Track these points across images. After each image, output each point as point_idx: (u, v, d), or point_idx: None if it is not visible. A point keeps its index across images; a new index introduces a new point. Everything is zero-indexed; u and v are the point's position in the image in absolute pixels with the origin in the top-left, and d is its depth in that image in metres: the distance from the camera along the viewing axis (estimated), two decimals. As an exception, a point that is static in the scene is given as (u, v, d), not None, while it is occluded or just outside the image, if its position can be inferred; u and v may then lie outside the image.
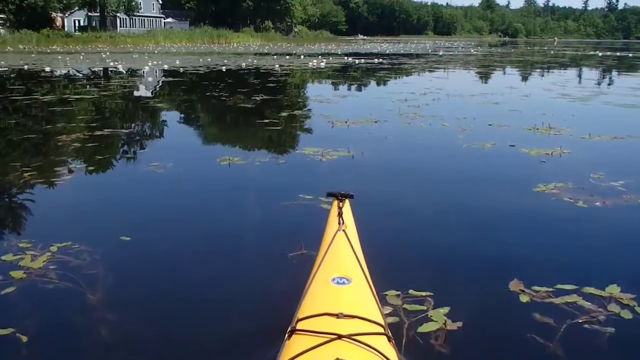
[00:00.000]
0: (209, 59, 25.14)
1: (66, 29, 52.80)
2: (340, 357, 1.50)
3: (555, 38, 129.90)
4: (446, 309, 2.49)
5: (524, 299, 2.63)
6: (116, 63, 21.80)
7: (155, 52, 34.57)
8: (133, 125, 8.07)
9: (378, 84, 15.02)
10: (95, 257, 3.03)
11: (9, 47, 37.37)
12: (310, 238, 2.70)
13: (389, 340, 1.73)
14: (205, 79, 15.85)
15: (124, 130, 7.18)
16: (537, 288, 2.71)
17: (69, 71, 18.19)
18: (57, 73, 17.30)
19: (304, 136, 7.04)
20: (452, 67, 22.60)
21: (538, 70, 22.25)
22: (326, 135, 6.83)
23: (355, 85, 14.37)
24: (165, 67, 20.24)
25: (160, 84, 14.66)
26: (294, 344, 1.65)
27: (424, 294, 2.64)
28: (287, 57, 28.18)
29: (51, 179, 4.74)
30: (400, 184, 4.76)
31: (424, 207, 4.14)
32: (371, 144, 6.34)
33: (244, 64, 21.28)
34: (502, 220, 3.91)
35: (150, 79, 15.20)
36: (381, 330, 1.73)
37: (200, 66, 20.60)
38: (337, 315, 1.70)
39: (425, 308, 2.52)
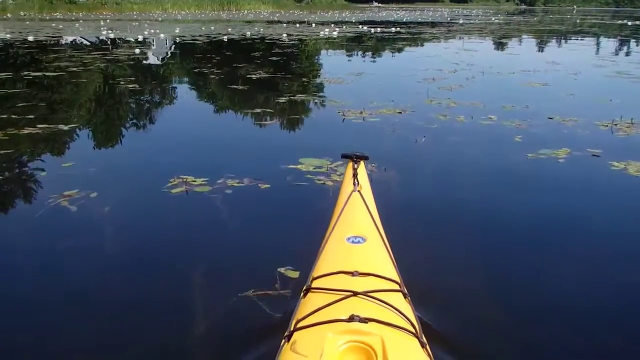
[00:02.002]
0: (213, 28, 23.24)
1: None
2: (355, 313, 1.45)
3: (575, 6, 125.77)
4: None
5: None
6: (109, 32, 19.97)
7: (160, 19, 32.78)
8: (79, 118, 6.06)
9: (398, 57, 13.10)
10: None
11: (8, 14, 36.08)
12: None
13: (405, 297, 1.68)
14: (201, 50, 14.00)
15: (64, 127, 5.37)
16: None
17: (51, 41, 16.37)
18: (40, 44, 15.51)
19: (303, 137, 5.17)
20: (477, 37, 20.49)
21: (572, 40, 20.08)
22: (334, 136, 5.06)
23: (372, 60, 12.45)
24: (162, 36, 18.39)
25: (149, 57, 12.86)
26: (310, 302, 1.62)
27: None
28: (298, 25, 26.12)
29: None
30: (447, 245, 2.94)
31: (498, 304, 2.35)
32: (396, 152, 4.56)
33: (248, 33, 19.37)
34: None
35: (137, 50, 13.37)
36: (397, 287, 1.70)
37: (200, 35, 18.75)
38: (352, 273, 1.68)
39: None
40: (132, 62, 11.02)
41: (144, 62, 11.62)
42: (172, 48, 14.81)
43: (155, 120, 6.01)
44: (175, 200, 3.38)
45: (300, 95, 7.15)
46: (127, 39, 17.45)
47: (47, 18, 32.78)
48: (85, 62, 10.68)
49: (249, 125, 5.53)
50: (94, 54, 12.37)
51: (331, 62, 12.01)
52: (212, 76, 9.06)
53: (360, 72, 9.45)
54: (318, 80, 8.63)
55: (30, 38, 17.27)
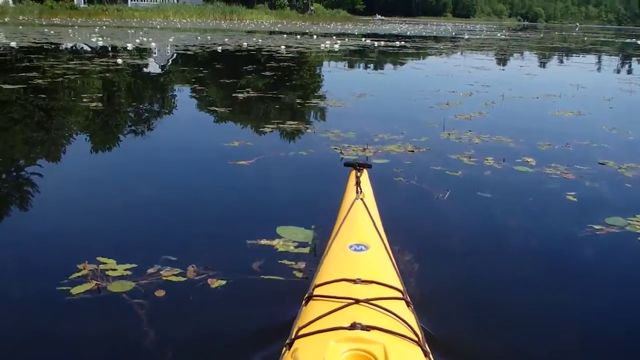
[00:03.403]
0: (209, 37, 22.17)
1: (75, 1, 51.81)
2: (357, 321, 1.43)
3: (577, 24, 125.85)
4: None
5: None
6: (99, 39, 18.85)
7: (158, 27, 31.84)
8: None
9: (405, 75, 11.93)
10: None
11: (6, 18, 35.26)
12: None
13: (408, 305, 1.67)
14: (189, 62, 12.88)
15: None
16: None
17: (34, 48, 15.22)
18: (20, 50, 14.40)
19: (286, 190, 3.84)
20: (487, 53, 19.37)
21: (586, 59, 18.96)
22: (328, 188, 3.74)
23: (376, 77, 11.28)
24: (153, 45, 17.27)
25: (150, 65, 11.75)
26: (311, 310, 1.60)
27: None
28: (298, 36, 25.04)
29: None
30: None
31: None
32: (412, 216, 3.35)
33: (245, 44, 18.25)
34: None
35: (120, 60, 12.19)
36: (399, 295, 1.68)
37: (194, 45, 17.66)
38: (354, 281, 1.66)
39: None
40: (109, 74, 9.83)
41: (144, 70, 10.88)
42: (174, 57, 14.09)
43: (90, 161, 4.55)
44: (72, 310, 2.17)
45: (290, 122, 5.94)
46: (117, 47, 16.32)
47: (44, 23, 31.89)
48: (58, 73, 9.50)
49: (215, 170, 4.24)
50: (72, 64, 11.19)
51: (331, 79, 10.83)
52: (193, 94, 7.91)
53: (363, 92, 8.27)
54: (314, 102, 7.42)
55: (13, 44, 16.22)
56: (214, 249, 2.72)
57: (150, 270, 2.45)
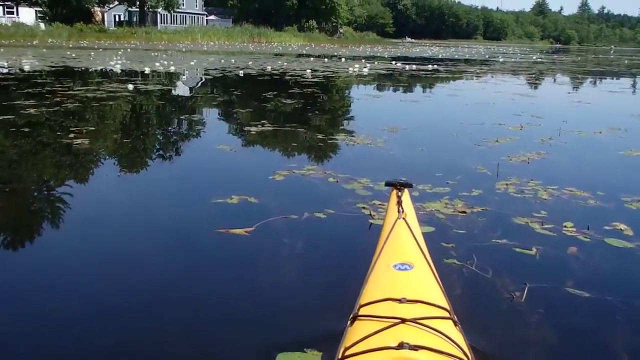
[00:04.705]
0: (233, 60, 21.42)
1: (106, 24, 52.67)
2: (405, 341, 1.40)
3: (612, 46, 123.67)
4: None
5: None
6: (118, 63, 18.20)
7: (183, 50, 31.44)
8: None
9: (441, 104, 10.76)
10: None
11: (35, 41, 35.36)
12: None
13: (455, 325, 1.62)
14: (205, 89, 11.98)
15: None
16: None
17: (47, 71, 14.54)
18: (29, 74, 13.75)
19: (293, 282, 2.65)
20: (526, 78, 18.12)
21: (632, 83, 17.60)
22: (351, 270, 2.58)
23: (409, 107, 10.16)
24: (172, 69, 16.51)
25: (179, 87, 10.92)
26: (357, 330, 1.59)
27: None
28: (326, 59, 24.16)
29: None
30: None
31: None
32: (478, 337, 2.20)
33: (269, 68, 17.39)
34: None
35: (130, 86, 11.32)
36: (446, 314, 1.64)
37: (215, 69, 16.90)
38: (400, 300, 1.63)
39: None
40: (112, 102, 8.94)
41: (173, 92, 10.95)
42: (202, 81, 13.72)
43: (35, 230, 3.47)
44: None
45: (309, 167, 4.84)
46: (134, 71, 15.57)
47: (71, 46, 31.79)
48: (57, 101, 8.64)
49: (197, 247, 3.01)
50: (77, 89, 10.36)
51: (359, 108, 9.75)
52: (196, 129, 6.93)
53: (395, 125, 7.17)
54: (338, 139, 6.31)
55: (27, 67, 15.64)
56: None
57: None
